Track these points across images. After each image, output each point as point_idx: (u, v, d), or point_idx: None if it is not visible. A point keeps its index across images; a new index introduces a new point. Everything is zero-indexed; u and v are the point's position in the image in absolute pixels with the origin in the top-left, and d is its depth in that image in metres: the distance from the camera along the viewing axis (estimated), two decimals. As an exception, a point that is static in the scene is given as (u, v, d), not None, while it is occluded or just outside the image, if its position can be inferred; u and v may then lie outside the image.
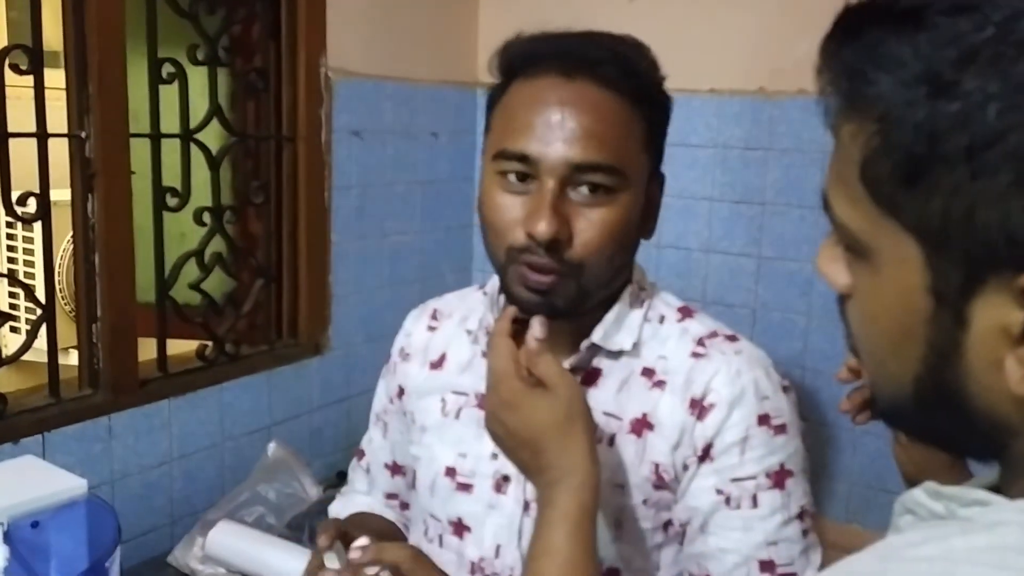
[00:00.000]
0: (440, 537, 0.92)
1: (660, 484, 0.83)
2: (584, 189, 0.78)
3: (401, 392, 1.02)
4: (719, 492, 0.81)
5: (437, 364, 0.97)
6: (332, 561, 0.82)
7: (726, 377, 0.83)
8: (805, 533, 0.83)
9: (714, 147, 2.06)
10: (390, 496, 1.07)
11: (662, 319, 0.89)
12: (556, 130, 0.78)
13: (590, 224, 0.79)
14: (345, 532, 0.86)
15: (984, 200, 0.39)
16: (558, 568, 0.69)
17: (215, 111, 1.65)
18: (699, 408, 0.82)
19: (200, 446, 1.66)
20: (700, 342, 0.86)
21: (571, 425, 0.73)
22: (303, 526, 1.45)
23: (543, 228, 0.76)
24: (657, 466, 0.83)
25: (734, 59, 2.01)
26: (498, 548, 0.88)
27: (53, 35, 1.48)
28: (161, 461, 1.59)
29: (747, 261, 2.06)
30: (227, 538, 1.37)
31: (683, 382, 0.84)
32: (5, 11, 2.23)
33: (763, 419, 0.82)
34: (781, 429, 0.82)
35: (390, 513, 1.06)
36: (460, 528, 0.90)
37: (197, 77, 1.63)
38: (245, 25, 1.74)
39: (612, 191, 0.79)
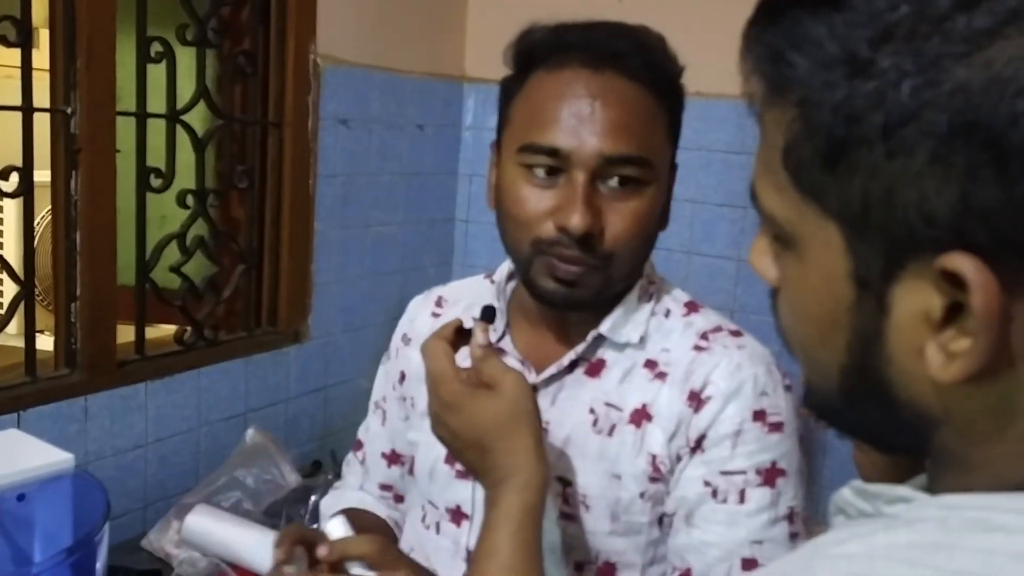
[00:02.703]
0: (437, 524, 0.91)
1: (656, 476, 0.83)
2: (614, 182, 0.79)
3: (403, 377, 1.01)
4: (707, 484, 0.81)
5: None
6: (291, 570, 0.82)
7: (726, 370, 0.82)
8: (793, 536, 0.81)
9: (698, 150, 2.08)
10: (384, 488, 1.06)
11: (668, 313, 0.89)
12: (587, 123, 0.78)
13: (621, 217, 0.79)
14: (307, 537, 0.86)
15: (902, 180, 0.38)
16: (499, 569, 0.69)
17: (202, 93, 1.63)
18: (697, 400, 0.82)
19: (176, 430, 1.64)
20: (704, 336, 0.86)
21: (516, 425, 0.72)
22: (281, 512, 1.44)
23: (577, 221, 0.76)
24: (654, 457, 0.83)
25: (719, 62, 2.03)
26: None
27: (37, 13, 1.45)
28: (136, 444, 1.57)
29: (727, 263, 2.08)
30: (204, 522, 1.35)
31: (683, 374, 0.84)
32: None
33: (759, 415, 0.81)
34: (777, 427, 0.81)
35: (382, 508, 1.05)
36: (458, 516, 0.89)
37: (185, 58, 1.61)
38: (235, 7, 1.72)
39: (641, 183, 0.79)
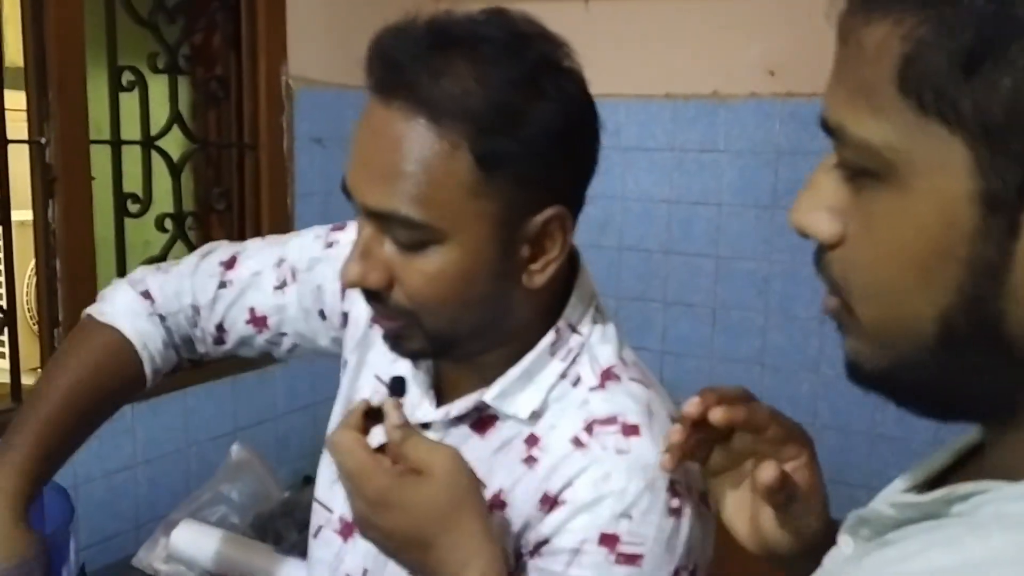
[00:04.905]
0: (320, 530, 0.86)
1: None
2: (397, 236, 0.67)
3: (345, 319, 0.88)
4: None
5: (366, 338, 0.86)
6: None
7: (590, 478, 0.69)
8: None
9: (671, 150, 2.11)
10: (219, 329, 0.91)
11: (577, 381, 0.74)
12: (362, 168, 0.67)
13: (408, 274, 0.67)
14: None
15: None
16: None
17: (175, 118, 1.67)
18: (550, 504, 0.70)
19: (164, 451, 1.66)
20: (589, 428, 0.71)
21: (458, 511, 0.62)
22: (267, 526, 1.45)
23: (343, 274, 0.68)
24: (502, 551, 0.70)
25: (688, 64, 2.07)
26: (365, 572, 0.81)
27: (13, 52, 1.49)
28: (125, 465, 1.59)
29: (705, 261, 2.10)
30: (190, 537, 1.37)
31: (548, 469, 0.71)
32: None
33: (608, 539, 0.67)
34: (630, 559, 0.67)
35: (156, 333, 0.90)
36: (349, 528, 0.82)
37: (158, 85, 1.65)
38: (206, 34, 1.77)
39: (424, 244, 0.66)
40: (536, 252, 0.70)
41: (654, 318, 2.16)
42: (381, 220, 0.66)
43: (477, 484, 0.65)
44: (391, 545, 0.65)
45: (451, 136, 0.64)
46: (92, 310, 0.92)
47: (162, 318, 0.91)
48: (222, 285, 0.91)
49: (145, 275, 0.95)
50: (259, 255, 0.92)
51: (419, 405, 0.79)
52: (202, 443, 1.73)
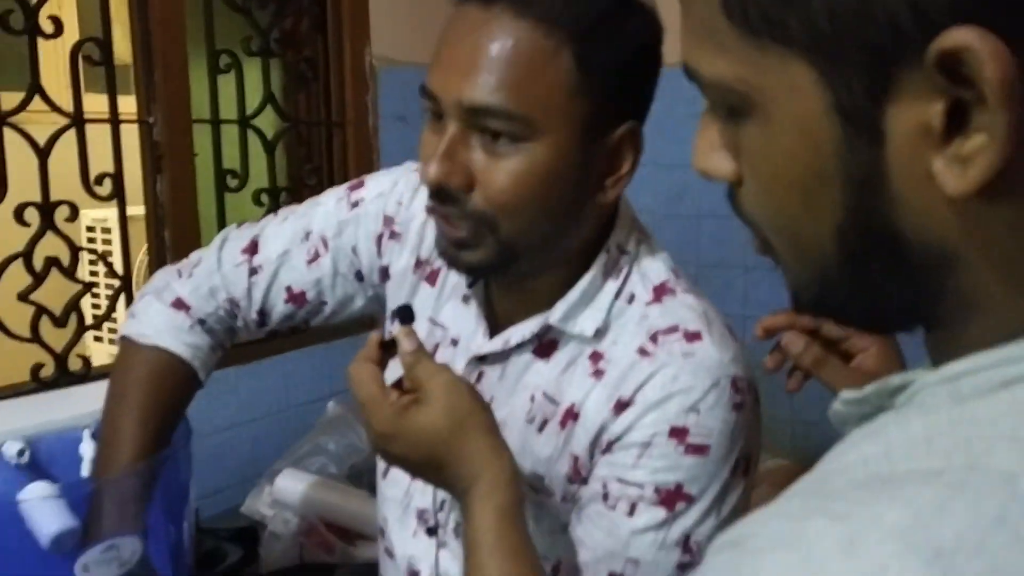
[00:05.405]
0: (387, 470, 0.90)
1: (575, 478, 0.77)
2: (487, 135, 0.68)
3: (385, 274, 0.89)
4: (604, 484, 0.73)
5: (430, 277, 0.87)
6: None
7: (659, 381, 0.72)
8: (684, 567, 0.71)
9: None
10: (262, 315, 0.92)
11: (632, 298, 0.77)
12: (457, 66, 0.68)
13: (494, 174, 0.69)
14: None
15: None
16: None
17: (268, 99, 1.77)
18: (622, 407, 0.73)
19: (265, 411, 1.77)
20: (654, 337, 0.74)
21: (459, 431, 0.67)
22: (362, 477, 1.54)
23: (427, 173, 0.69)
24: (576, 459, 0.76)
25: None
26: (443, 503, 0.84)
27: (121, 50, 1.61)
28: (231, 424, 1.70)
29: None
30: (293, 484, 1.46)
31: (618, 378, 0.74)
32: (77, 9, 2.43)
33: (677, 432, 0.71)
34: (698, 450, 0.70)
35: (202, 342, 0.91)
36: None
37: (252, 67, 1.76)
38: (294, 19, 1.86)
39: (518, 139, 0.68)
40: (611, 166, 0.73)
41: (735, 283, 2.17)
42: (473, 116, 0.68)
43: (478, 404, 0.69)
44: (408, 468, 0.71)
45: (555, 37, 0.67)
46: (130, 332, 0.91)
47: (201, 322, 0.92)
48: (252, 272, 0.91)
49: (169, 282, 0.93)
50: (281, 233, 0.91)
51: (473, 338, 0.82)
52: (299, 405, 1.83)
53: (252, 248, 0.92)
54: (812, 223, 0.40)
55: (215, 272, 0.92)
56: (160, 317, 0.90)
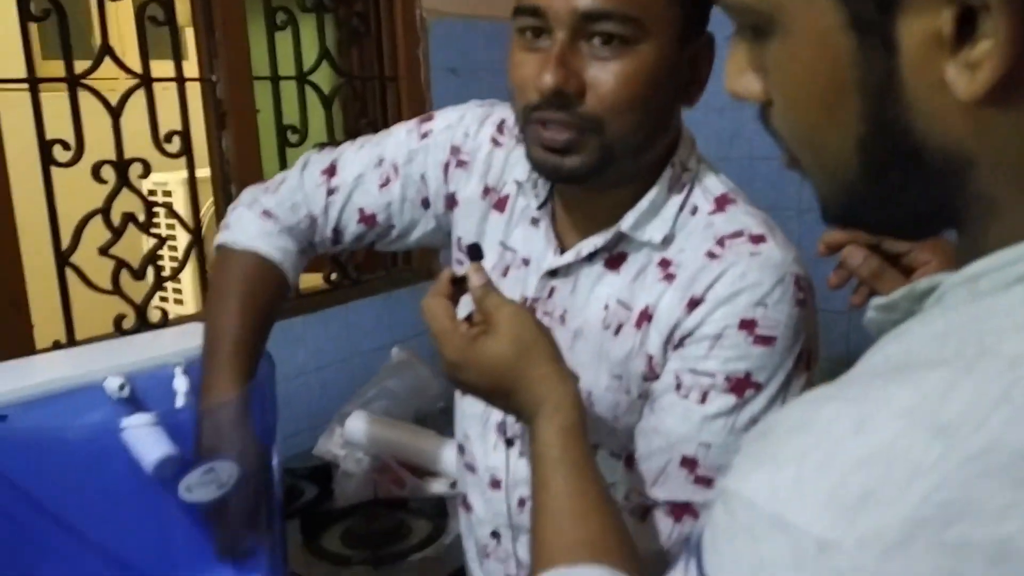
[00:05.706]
0: None
1: (650, 376, 0.81)
2: (597, 40, 0.73)
3: (452, 201, 0.95)
4: (676, 376, 0.78)
5: (498, 204, 0.92)
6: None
7: (729, 279, 0.77)
8: None
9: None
10: (336, 232, 0.99)
11: (695, 210, 0.82)
12: None
13: (605, 77, 0.73)
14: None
15: None
16: (553, 498, 0.68)
17: (324, 54, 1.81)
18: (694, 305, 0.78)
19: (331, 359, 1.83)
20: (720, 242, 0.79)
21: (525, 359, 0.71)
22: (425, 416, 1.59)
23: (547, 79, 0.73)
24: (651, 358, 0.81)
25: None
26: None
27: (182, 15, 1.66)
28: (299, 372, 1.77)
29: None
30: (362, 425, 1.53)
31: (689, 279, 0.79)
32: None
33: (747, 324, 0.75)
34: (766, 340, 0.75)
35: (290, 246, 0.98)
36: None
37: (307, 24, 1.79)
38: (346, -26, 1.89)
39: (628, 41, 0.73)
40: (693, 74, 0.79)
41: (789, 226, 2.14)
42: (585, 23, 0.73)
43: (541, 333, 0.73)
44: (479, 395, 0.75)
45: None
46: (226, 240, 0.98)
47: (289, 230, 0.98)
48: (330, 192, 0.97)
49: (257, 196, 1.00)
50: (357, 158, 0.98)
51: (544, 256, 0.87)
52: (364, 352, 1.89)
53: (331, 171, 0.99)
54: (835, 135, 0.42)
55: (298, 190, 0.99)
56: (252, 225, 0.98)
